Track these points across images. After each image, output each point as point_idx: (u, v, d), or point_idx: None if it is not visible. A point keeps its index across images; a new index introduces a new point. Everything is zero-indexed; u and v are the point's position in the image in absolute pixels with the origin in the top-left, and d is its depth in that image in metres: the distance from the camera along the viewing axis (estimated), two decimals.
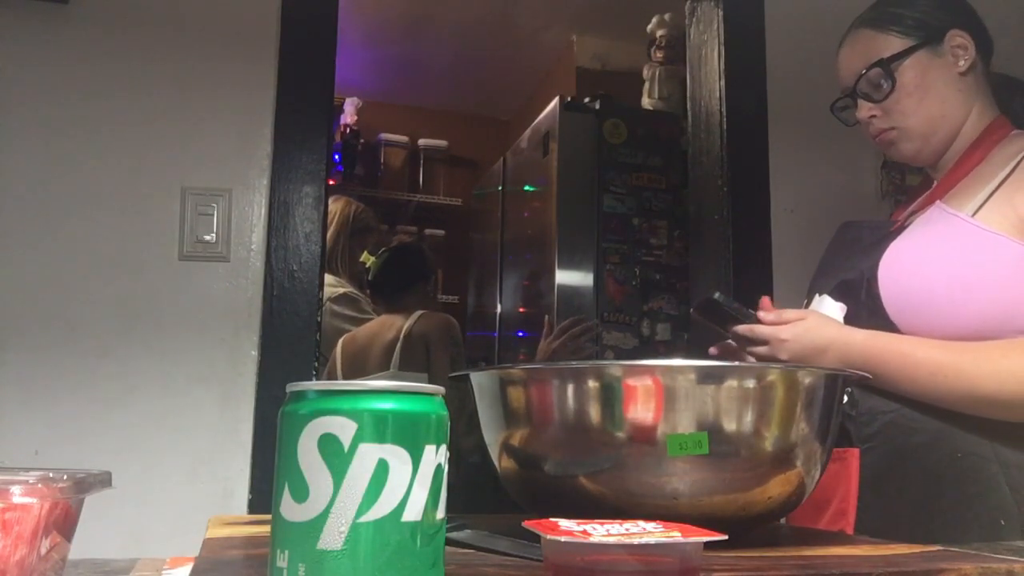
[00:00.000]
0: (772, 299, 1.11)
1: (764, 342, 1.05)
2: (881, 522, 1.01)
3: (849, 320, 1.10)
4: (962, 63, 1.14)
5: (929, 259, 1.04)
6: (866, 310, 1.08)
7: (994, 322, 0.98)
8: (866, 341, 1.02)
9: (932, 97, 1.14)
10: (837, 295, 1.13)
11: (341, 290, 2.59)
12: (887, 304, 1.04)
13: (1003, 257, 1.00)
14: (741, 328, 1.08)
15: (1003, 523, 0.97)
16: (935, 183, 1.18)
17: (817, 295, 1.17)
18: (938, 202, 1.10)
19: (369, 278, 2.63)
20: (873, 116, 1.17)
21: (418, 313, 2.49)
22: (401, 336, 2.43)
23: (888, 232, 1.14)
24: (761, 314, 1.07)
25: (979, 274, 1.00)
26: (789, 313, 1.07)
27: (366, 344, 2.49)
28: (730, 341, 1.13)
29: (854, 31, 1.20)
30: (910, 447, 1.03)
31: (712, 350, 1.16)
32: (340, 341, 2.52)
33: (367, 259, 2.63)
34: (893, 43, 1.15)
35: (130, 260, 1.59)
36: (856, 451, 1.05)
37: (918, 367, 0.99)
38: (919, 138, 1.16)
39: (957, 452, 1.00)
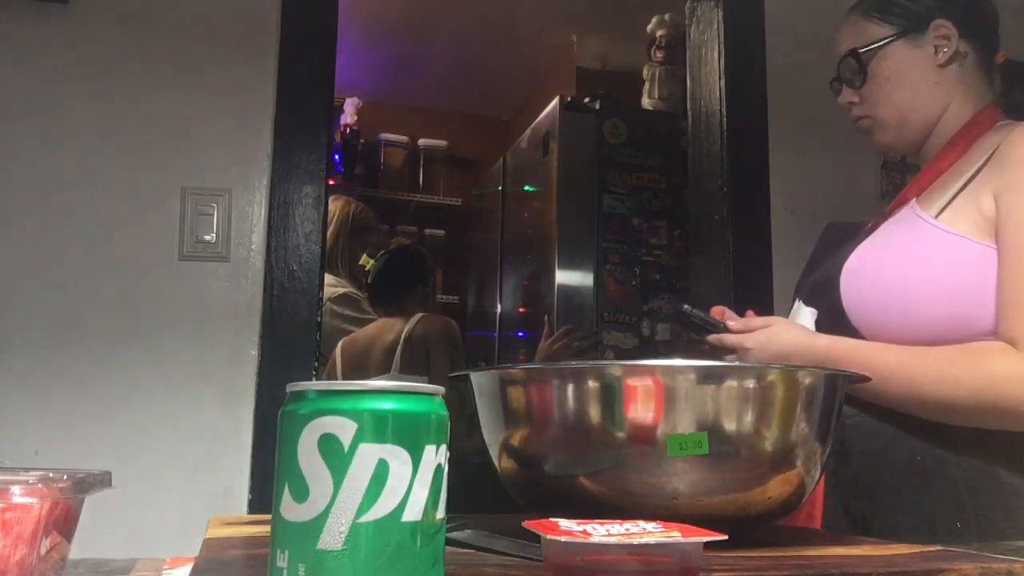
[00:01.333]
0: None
1: (733, 351, 1.07)
2: (845, 524, 1.02)
3: (817, 324, 1.10)
4: (941, 55, 1.12)
5: (889, 263, 1.04)
6: (830, 314, 1.08)
7: (953, 325, 0.98)
8: (827, 347, 1.02)
9: (904, 89, 1.13)
10: (808, 299, 1.13)
11: (341, 290, 2.59)
12: (848, 308, 1.04)
13: (963, 259, 0.99)
14: (711, 338, 1.09)
15: (959, 526, 0.97)
16: (915, 177, 1.17)
17: (796, 301, 1.17)
18: (913, 201, 1.08)
19: (368, 281, 2.62)
20: (852, 102, 1.18)
21: (418, 316, 2.49)
22: (401, 339, 2.43)
23: (861, 233, 1.14)
24: (730, 323, 1.08)
25: (938, 278, 0.99)
26: (755, 321, 1.08)
27: (366, 347, 2.49)
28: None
29: (848, 14, 1.21)
30: (871, 451, 1.03)
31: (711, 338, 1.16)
32: (340, 344, 2.52)
33: (366, 262, 2.63)
34: (874, 31, 1.15)
35: (130, 260, 1.59)
36: None
37: (873, 373, 0.98)
38: (891, 129, 1.16)
39: (916, 455, 1.00)
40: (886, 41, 1.13)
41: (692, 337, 1.15)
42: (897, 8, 1.14)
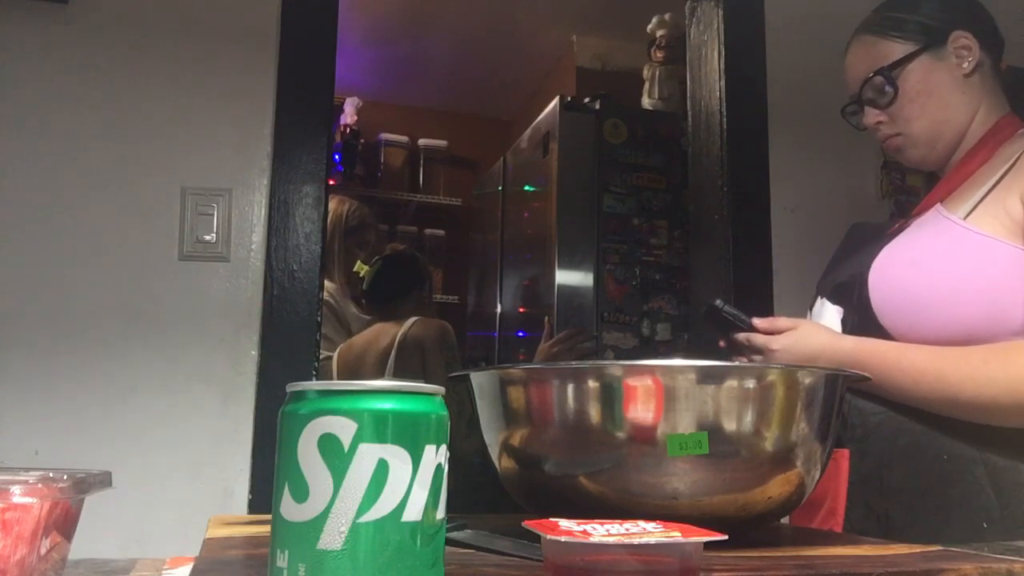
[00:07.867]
0: (772, 300, 1.11)
1: (760, 351, 1.07)
2: (868, 523, 1.02)
3: (843, 322, 1.10)
4: (966, 65, 1.13)
5: (918, 263, 1.04)
6: (857, 314, 1.08)
7: (984, 325, 0.98)
8: (854, 348, 1.03)
9: (935, 102, 1.13)
10: (833, 298, 1.13)
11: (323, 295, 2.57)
12: (876, 308, 1.04)
13: (993, 260, 0.99)
14: (740, 336, 1.09)
15: (986, 526, 0.97)
16: (939, 183, 1.17)
17: (819, 299, 1.17)
18: (938, 205, 1.09)
19: (363, 287, 2.62)
20: (880, 122, 1.17)
21: (412, 319, 2.48)
22: (396, 343, 2.43)
23: (886, 235, 1.14)
24: (756, 321, 1.08)
25: (968, 278, 1.00)
26: (782, 321, 1.08)
27: (362, 352, 2.48)
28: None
29: (857, 36, 1.19)
30: (897, 449, 1.03)
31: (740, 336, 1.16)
32: (336, 350, 2.51)
33: (360, 268, 2.62)
34: (895, 49, 1.14)
35: (130, 260, 1.59)
36: (846, 452, 1.05)
37: (902, 373, 0.99)
38: (925, 143, 1.15)
39: (943, 454, 1.01)
40: (912, 56, 1.13)
41: (719, 335, 1.15)
42: (912, 24, 1.14)
